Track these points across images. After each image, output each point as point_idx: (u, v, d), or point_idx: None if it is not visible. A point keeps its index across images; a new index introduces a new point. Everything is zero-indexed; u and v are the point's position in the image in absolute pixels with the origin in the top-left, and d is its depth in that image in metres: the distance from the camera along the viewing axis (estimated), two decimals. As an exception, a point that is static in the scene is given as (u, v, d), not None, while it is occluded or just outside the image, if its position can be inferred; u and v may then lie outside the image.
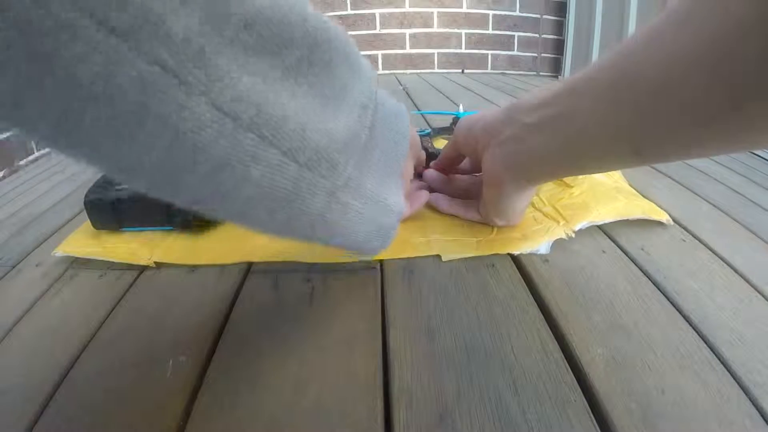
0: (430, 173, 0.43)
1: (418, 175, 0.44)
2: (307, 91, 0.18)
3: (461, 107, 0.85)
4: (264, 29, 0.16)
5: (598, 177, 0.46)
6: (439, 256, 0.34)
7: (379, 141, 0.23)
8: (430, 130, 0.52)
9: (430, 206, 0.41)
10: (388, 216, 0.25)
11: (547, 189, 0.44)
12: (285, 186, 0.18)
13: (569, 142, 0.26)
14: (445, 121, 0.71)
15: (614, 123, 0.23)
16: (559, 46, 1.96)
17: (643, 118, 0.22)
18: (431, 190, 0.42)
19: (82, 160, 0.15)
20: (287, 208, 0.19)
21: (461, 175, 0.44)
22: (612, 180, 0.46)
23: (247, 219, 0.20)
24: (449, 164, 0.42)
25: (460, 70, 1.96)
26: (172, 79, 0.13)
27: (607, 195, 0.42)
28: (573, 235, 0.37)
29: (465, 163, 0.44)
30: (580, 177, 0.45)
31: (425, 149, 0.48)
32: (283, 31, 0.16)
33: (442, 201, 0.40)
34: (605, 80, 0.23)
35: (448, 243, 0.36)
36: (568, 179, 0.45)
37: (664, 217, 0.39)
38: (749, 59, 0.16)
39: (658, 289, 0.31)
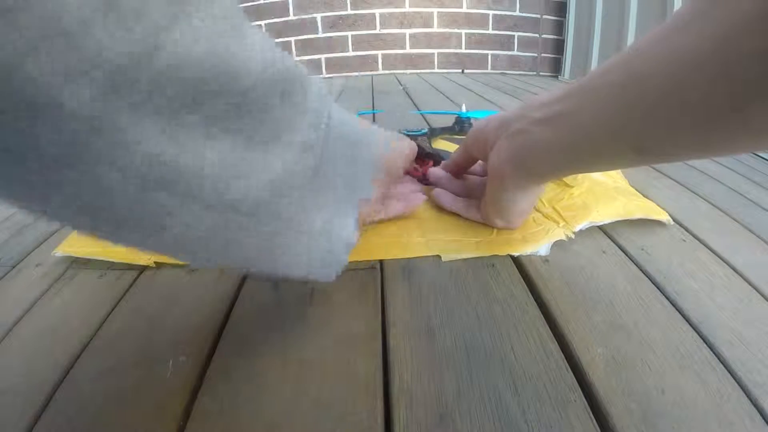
0: (436, 171, 0.43)
1: (417, 174, 0.44)
2: (231, 143, 0.18)
3: (464, 107, 0.85)
4: (178, 86, 0.15)
5: (598, 177, 0.46)
6: (439, 257, 0.34)
7: (329, 176, 0.23)
8: (426, 129, 0.52)
9: (431, 206, 0.41)
10: (336, 245, 0.25)
11: (548, 190, 0.44)
12: (214, 231, 0.19)
13: (573, 138, 0.27)
14: (447, 122, 0.71)
15: (617, 121, 0.23)
16: (559, 46, 1.96)
17: (646, 117, 0.22)
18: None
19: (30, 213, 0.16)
20: (223, 251, 0.20)
21: (469, 175, 0.44)
22: (612, 180, 0.46)
23: (186, 257, 0.21)
24: (458, 170, 0.42)
25: (460, 70, 1.96)
26: (75, 150, 0.14)
27: (607, 195, 0.42)
28: (573, 237, 0.37)
29: (476, 167, 0.43)
30: (580, 177, 0.45)
31: (421, 148, 0.48)
32: (200, 86, 0.16)
33: (444, 197, 0.40)
34: (612, 80, 0.24)
35: (448, 243, 0.36)
36: (568, 180, 0.45)
37: (664, 217, 0.39)
38: (750, 59, 0.16)
39: (658, 289, 0.31)
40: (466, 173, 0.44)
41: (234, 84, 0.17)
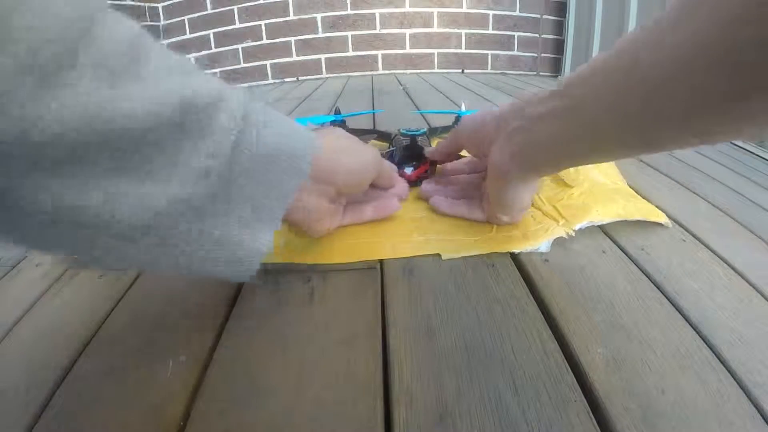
0: (427, 188, 0.43)
1: (408, 177, 0.45)
2: (119, 180, 0.20)
3: (464, 106, 0.85)
4: (62, 151, 0.17)
5: (598, 178, 0.46)
6: (438, 255, 0.34)
7: (236, 193, 0.24)
8: (425, 129, 0.52)
9: (428, 206, 0.41)
10: (245, 260, 0.26)
11: (547, 189, 0.44)
12: (127, 255, 0.22)
13: (576, 132, 0.27)
14: (447, 121, 0.71)
15: (622, 110, 0.23)
16: (559, 46, 1.96)
17: (651, 104, 0.22)
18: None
19: None
20: (151, 263, 0.23)
21: (456, 176, 0.44)
22: (611, 181, 0.46)
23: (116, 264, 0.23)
24: (446, 158, 0.43)
25: (460, 70, 1.96)
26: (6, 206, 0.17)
27: (607, 196, 0.42)
28: (573, 234, 0.37)
29: (460, 163, 0.44)
30: (580, 178, 0.45)
31: (420, 149, 0.48)
32: (88, 144, 0.18)
33: (442, 204, 0.40)
34: (613, 68, 0.24)
35: (448, 242, 0.36)
36: (568, 180, 0.45)
37: (662, 219, 0.39)
38: (749, 45, 0.16)
39: (658, 289, 0.31)
40: (453, 173, 0.44)
41: (117, 137, 0.19)
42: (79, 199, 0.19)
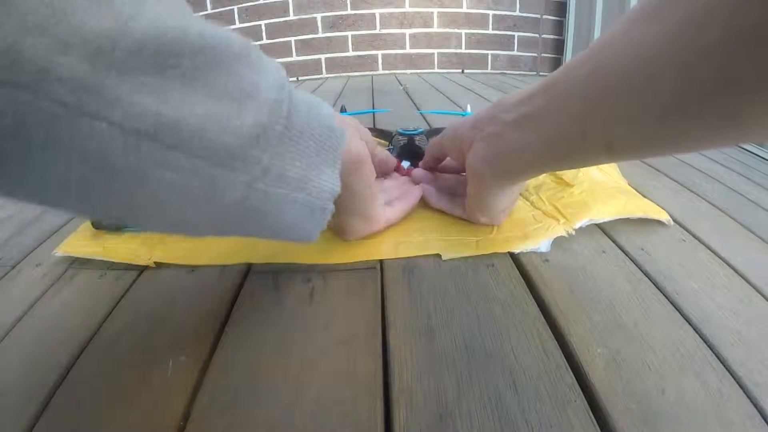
0: (419, 173, 0.44)
1: (406, 173, 0.45)
2: (206, 95, 0.19)
3: (469, 107, 0.84)
4: (153, 51, 0.17)
5: (598, 177, 0.46)
6: (439, 256, 0.34)
7: (301, 130, 0.24)
8: (422, 129, 0.52)
9: (427, 205, 0.42)
10: (320, 199, 0.26)
11: (548, 188, 0.44)
12: (199, 184, 0.20)
13: (544, 138, 0.27)
14: (448, 122, 0.71)
15: (586, 119, 0.23)
16: (559, 46, 1.96)
17: (616, 112, 0.22)
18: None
19: (15, 191, 0.18)
20: (207, 203, 0.21)
21: (448, 174, 0.44)
22: (612, 179, 0.46)
23: (177, 223, 0.22)
24: (434, 163, 0.43)
25: (460, 70, 1.96)
26: (74, 110, 0.16)
27: (607, 194, 0.42)
28: (573, 233, 0.37)
29: (449, 161, 0.44)
30: (580, 176, 0.45)
31: (418, 147, 0.48)
32: (172, 48, 0.18)
33: (430, 194, 0.41)
34: (578, 77, 0.24)
35: (448, 242, 0.36)
36: (568, 179, 0.45)
37: (664, 217, 0.39)
38: (712, 50, 0.16)
39: (658, 289, 0.31)
40: (444, 171, 0.44)
41: (197, 48, 0.19)
42: (170, 108, 0.18)
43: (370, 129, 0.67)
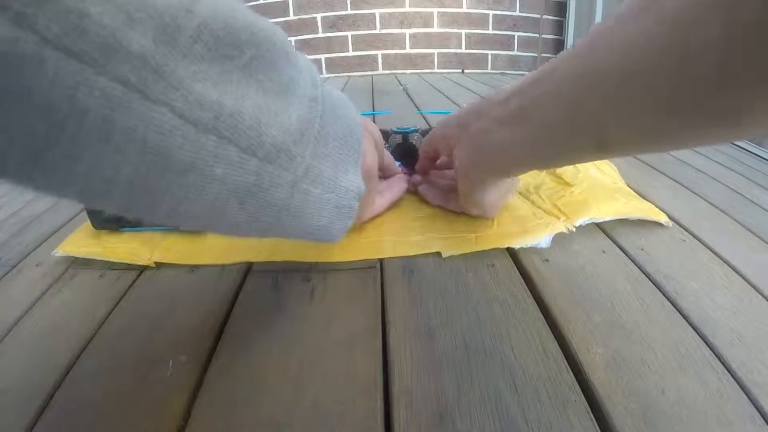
0: (416, 178, 0.44)
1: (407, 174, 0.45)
2: (258, 89, 0.19)
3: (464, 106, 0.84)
4: (212, 37, 0.17)
5: (598, 177, 0.46)
6: (439, 254, 0.34)
7: (331, 129, 0.24)
8: (418, 127, 0.52)
9: (426, 204, 0.42)
10: (347, 199, 0.26)
11: (548, 188, 0.44)
12: (248, 180, 0.19)
13: (532, 134, 0.26)
14: None
15: (577, 114, 0.23)
16: (559, 46, 1.96)
17: (608, 107, 0.21)
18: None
19: (57, 189, 0.16)
20: (253, 202, 0.20)
21: (443, 170, 0.44)
22: (612, 181, 0.46)
23: (219, 220, 0.21)
24: (429, 164, 0.43)
25: (460, 70, 1.96)
26: (135, 93, 0.15)
27: (607, 194, 0.42)
28: (573, 230, 0.37)
29: (445, 159, 0.44)
30: (581, 176, 0.45)
31: (412, 146, 0.48)
32: (230, 36, 0.17)
33: (429, 192, 0.41)
34: (568, 70, 0.23)
35: (447, 240, 0.36)
36: (568, 178, 0.45)
37: (662, 219, 0.39)
38: (711, 45, 0.16)
39: (658, 289, 0.31)
40: (441, 168, 0.44)
41: (254, 40, 0.18)
42: (231, 100, 0.17)
43: None
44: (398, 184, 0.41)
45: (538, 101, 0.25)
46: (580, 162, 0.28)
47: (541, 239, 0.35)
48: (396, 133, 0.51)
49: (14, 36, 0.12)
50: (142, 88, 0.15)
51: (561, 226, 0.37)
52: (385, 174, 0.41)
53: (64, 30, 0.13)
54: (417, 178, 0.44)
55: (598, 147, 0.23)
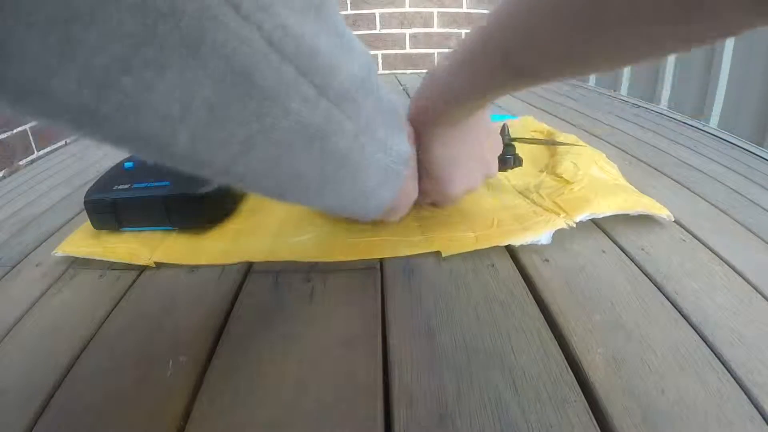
0: None
1: None
2: (330, 31, 0.19)
3: None
4: None
5: (598, 174, 0.46)
6: (439, 254, 0.34)
7: (382, 91, 0.24)
8: None
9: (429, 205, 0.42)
10: (396, 162, 0.26)
11: (547, 186, 0.44)
12: (317, 121, 0.19)
13: (458, 59, 0.28)
14: None
15: (487, 30, 0.25)
16: (559, 46, 1.96)
17: (509, 17, 0.23)
18: None
19: (130, 114, 0.15)
20: (318, 146, 0.20)
21: None
22: (612, 177, 0.46)
23: (278, 167, 0.20)
24: None
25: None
26: (229, 6, 0.14)
27: (608, 190, 0.42)
28: (574, 225, 0.37)
29: None
30: (580, 174, 0.45)
31: None
32: None
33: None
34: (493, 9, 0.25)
35: (448, 240, 0.36)
36: (567, 176, 0.45)
37: (665, 213, 0.39)
38: None
39: (658, 289, 0.31)
40: None
41: None
42: (308, 36, 0.17)
43: None
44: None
45: (467, 37, 0.27)
46: (505, 89, 0.28)
47: (542, 236, 0.35)
48: None
49: None
50: (236, 2, 0.14)
51: (561, 222, 0.37)
52: None
53: None
54: None
55: (506, 63, 0.24)
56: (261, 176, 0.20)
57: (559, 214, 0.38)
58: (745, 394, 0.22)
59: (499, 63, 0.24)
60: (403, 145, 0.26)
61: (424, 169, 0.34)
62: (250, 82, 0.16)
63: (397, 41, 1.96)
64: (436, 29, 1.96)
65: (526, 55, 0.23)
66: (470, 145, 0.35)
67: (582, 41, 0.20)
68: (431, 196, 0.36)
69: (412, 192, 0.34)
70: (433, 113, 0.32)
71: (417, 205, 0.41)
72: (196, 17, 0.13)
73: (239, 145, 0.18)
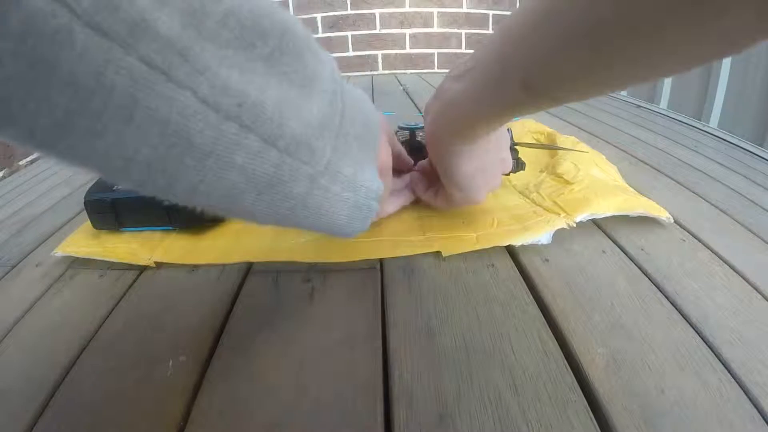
0: (414, 175, 0.43)
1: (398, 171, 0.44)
2: (281, 79, 0.19)
3: None
4: (238, 25, 0.17)
5: (598, 175, 0.46)
6: (439, 254, 0.34)
7: (350, 127, 0.24)
8: (423, 124, 0.52)
9: (426, 204, 0.41)
10: (366, 198, 0.25)
11: (548, 186, 0.44)
12: (267, 171, 0.19)
13: (475, 81, 0.27)
14: None
15: (504, 53, 0.24)
16: (559, 46, 1.96)
17: (526, 43, 0.22)
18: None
19: (78, 161, 0.16)
20: (270, 193, 0.20)
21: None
22: (612, 178, 0.46)
23: (235, 207, 0.21)
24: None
25: (460, 70, 1.96)
26: (160, 75, 0.15)
27: (608, 190, 0.42)
28: (574, 225, 0.37)
29: None
30: (580, 174, 0.45)
31: (419, 143, 0.48)
32: (256, 25, 0.18)
33: (418, 184, 0.40)
34: (504, 23, 0.24)
35: (448, 240, 0.36)
36: (568, 177, 0.45)
37: (664, 214, 0.39)
38: None
39: (658, 289, 0.31)
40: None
41: (280, 30, 0.19)
42: (254, 89, 0.17)
43: None
44: (401, 196, 0.40)
45: (483, 51, 0.27)
46: (524, 111, 0.28)
47: (542, 236, 0.35)
48: (402, 128, 0.51)
49: (50, 9, 0.12)
50: (167, 70, 0.15)
51: (561, 222, 0.37)
52: (397, 167, 0.41)
53: (96, 6, 0.13)
54: (414, 175, 0.43)
55: (526, 88, 0.23)
56: (221, 211, 0.21)
57: (559, 214, 0.38)
58: (745, 394, 0.22)
59: (519, 88, 0.24)
60: (372, 180, 0.26)
61: (452, 183, 0.35)
62: (187, 141, 0.16)
63: (397, 41, 1.96)
64: (436, 29, 1.96)
65: (547, 81, 0.23)
66: (492, 153, 0.35)
67: (602, 66, 0.19)
68: (457, 204, 0.37)
69: (385, 203, 0.34)
70: (458, 137, 0.32)
71: (417, 204, 0.42)
72: (127, 90, 0.14)
73: (184, 191, 0.19)
